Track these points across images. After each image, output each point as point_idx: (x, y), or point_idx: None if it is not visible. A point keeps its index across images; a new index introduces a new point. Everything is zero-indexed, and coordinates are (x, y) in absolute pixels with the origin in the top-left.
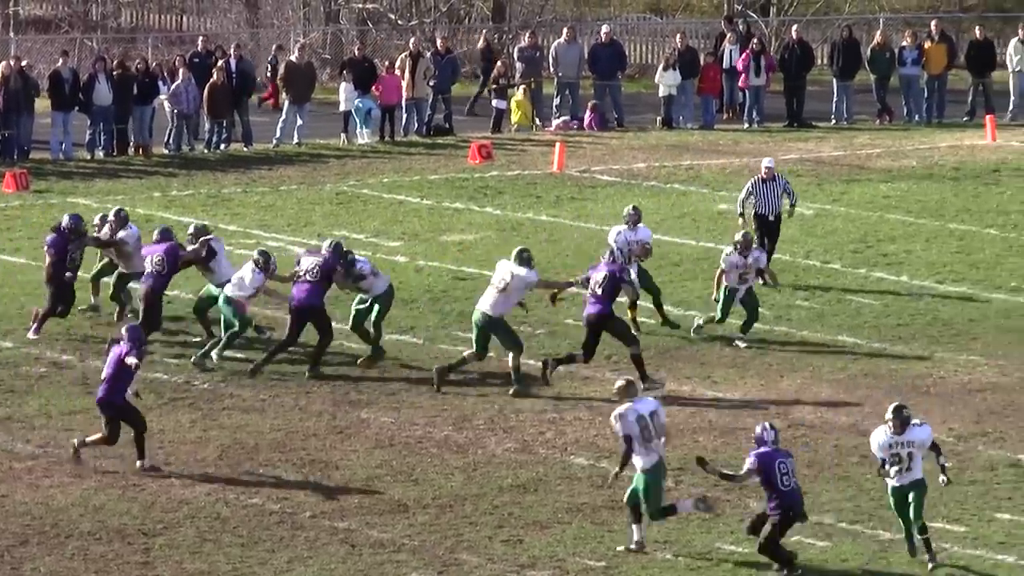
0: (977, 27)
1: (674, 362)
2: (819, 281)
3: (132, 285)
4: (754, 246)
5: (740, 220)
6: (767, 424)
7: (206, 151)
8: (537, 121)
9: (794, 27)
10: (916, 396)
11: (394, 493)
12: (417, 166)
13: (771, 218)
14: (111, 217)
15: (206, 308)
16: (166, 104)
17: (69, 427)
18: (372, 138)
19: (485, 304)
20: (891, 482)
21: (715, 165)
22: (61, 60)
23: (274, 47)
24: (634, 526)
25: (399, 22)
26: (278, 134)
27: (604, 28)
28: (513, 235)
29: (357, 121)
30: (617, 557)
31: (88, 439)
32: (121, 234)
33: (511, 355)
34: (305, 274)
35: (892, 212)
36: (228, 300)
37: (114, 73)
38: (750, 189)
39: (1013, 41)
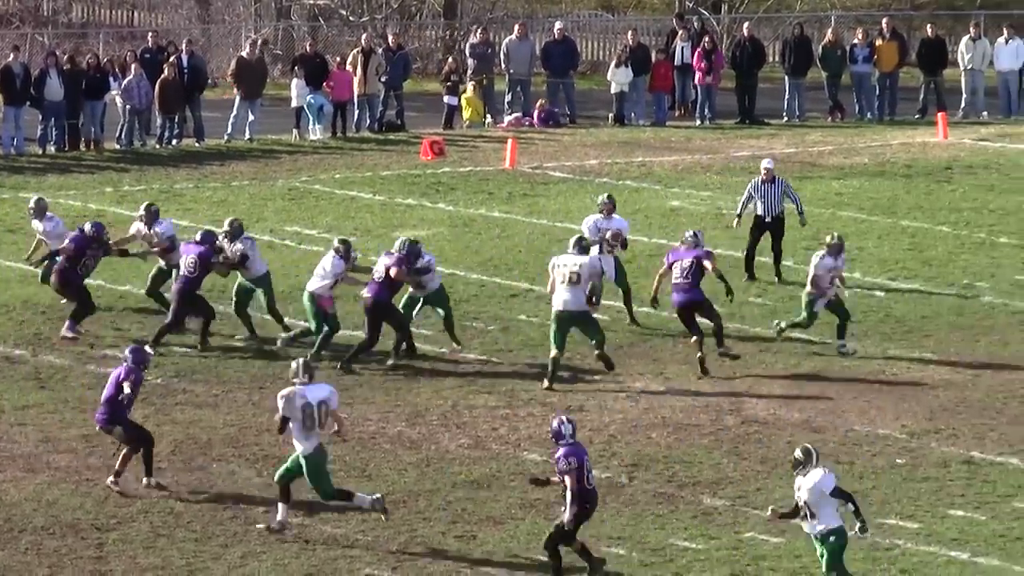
0: (928, 25)
1: (627, 358)
2: (772, 278)
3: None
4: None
5: (736, 221)
6: (564, 418)
7: (158, 146)
8: (488, 117)
9: (746, 24)
10: (869, 393)
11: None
12: (369, 162)
13: (768, 219)
14: (141, 211)
15: (245, 303)
16: (118, 99)
17: (22, 422)
18: (324, 134)
19: (560, 302)
20: (807, 528)
21: (667, 162)
22: (12, 55)
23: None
24: (280, 505)
25: (350, 18)
26: (229, 130)
27: (557, 25)
28: (465, 231)
29: (309, 117)
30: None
31: (119, 466)
32: (156, 228)
33: (598, 341)
34: (374, 274)
35: (844, 209)
36: (312, 298)
37: (65, 68)
38: (750, 192)
39: (964, 39)
